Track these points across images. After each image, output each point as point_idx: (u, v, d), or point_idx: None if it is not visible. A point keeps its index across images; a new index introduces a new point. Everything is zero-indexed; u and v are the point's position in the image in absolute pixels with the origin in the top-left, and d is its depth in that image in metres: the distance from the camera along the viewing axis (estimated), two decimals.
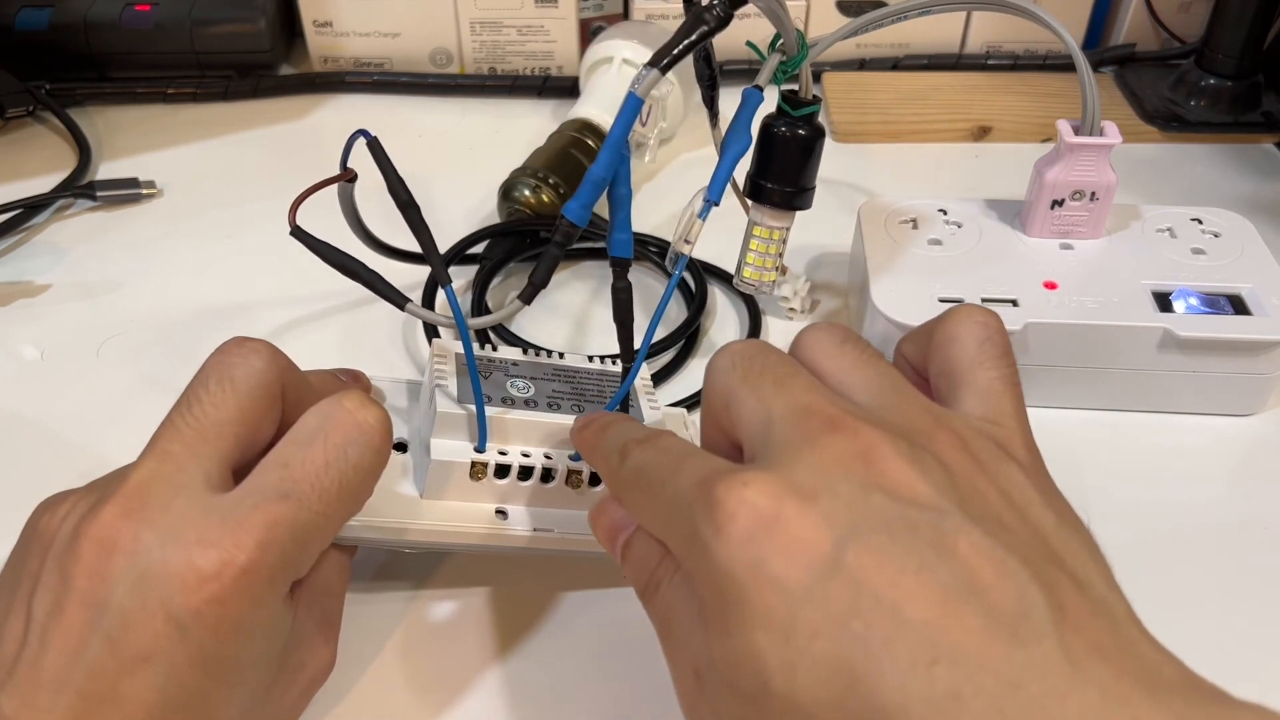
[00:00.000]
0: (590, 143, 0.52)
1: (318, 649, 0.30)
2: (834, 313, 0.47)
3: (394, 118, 0.63)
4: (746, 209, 0.41)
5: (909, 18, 0.41)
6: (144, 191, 0.55)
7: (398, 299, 0.32)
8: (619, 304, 0.33)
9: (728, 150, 0.32)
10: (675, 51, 0.30)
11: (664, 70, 0.30)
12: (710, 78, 0.39)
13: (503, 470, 0.33)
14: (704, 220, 0.32)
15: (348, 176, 0.33)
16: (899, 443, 0.23)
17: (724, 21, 0.32)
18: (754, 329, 0.46)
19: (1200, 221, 0.45)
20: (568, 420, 0.33)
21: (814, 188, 0.40)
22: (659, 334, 0.45)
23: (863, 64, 0.66)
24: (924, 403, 0.25)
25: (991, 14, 0.64)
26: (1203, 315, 0.40)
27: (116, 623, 0.24)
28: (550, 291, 0.48)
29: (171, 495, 0.26)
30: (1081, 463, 0.40)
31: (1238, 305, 0.41)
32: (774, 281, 0.41)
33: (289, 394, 0.29)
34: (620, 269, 0.32)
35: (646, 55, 0.52)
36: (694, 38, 0.31)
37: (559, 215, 0.30)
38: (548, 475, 0.33)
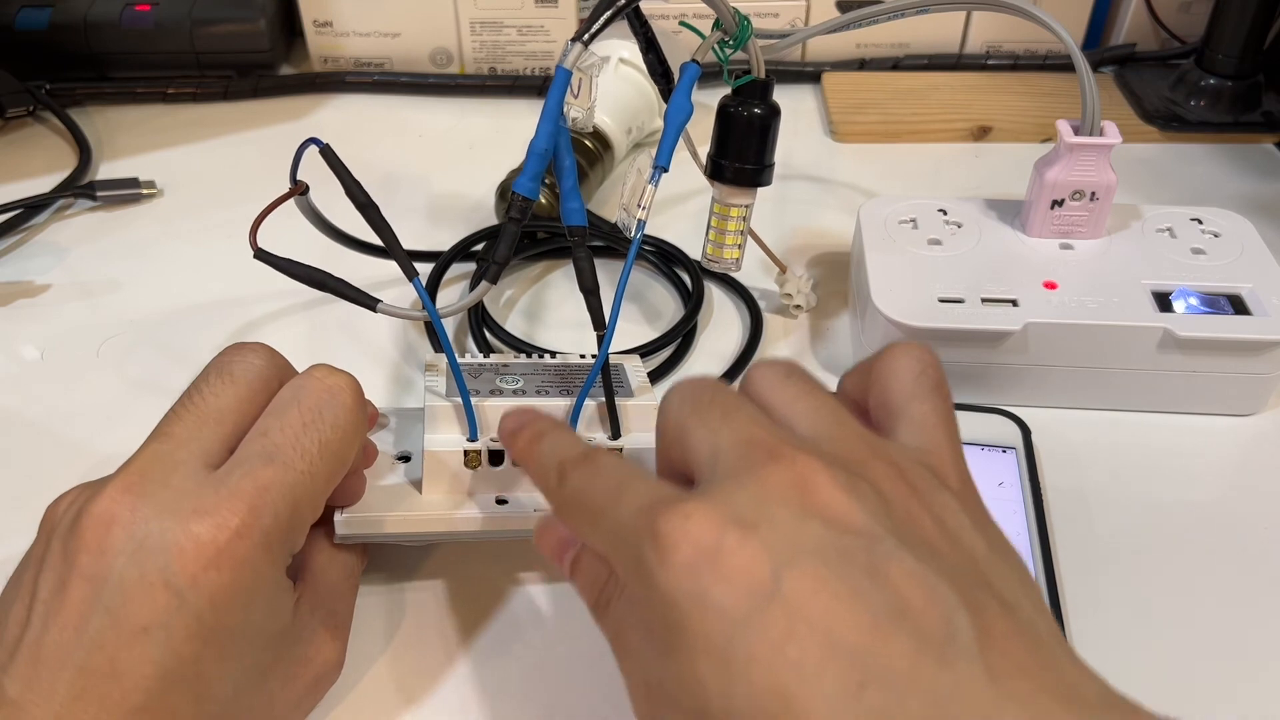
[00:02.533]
0: (588, 143, 0.52)
1: (323, 646, 0.30)
2: (836, 311, 0.47)
3: (394, 118, 0.63)
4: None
5: (904, 15, 0.42)
6: (144, 191, 0.55)
7: (368, 302, 0.32)
8: (581, 272, 0.33)
9: (670, 121, 0.34)
10: (595, 27, 0.33)
11: (586, 44, 0.32)
12: (662, 71, 0.41)
13: (497, 457, 0.34)
14: (655, 187, 0.33)
15: (299, 190, 0.35)
16: (836, 471, 0.23)
17: None
18: (755, 327, 0.46)
19: (1200, 221, 0.45)
20: (557, 403, 0.34)
21: (772, 165, 0.40)
22: (657, 332, 0.45)
23: (863, 64, 0.66)
24: (862, 433, 0.26)
25: (991, 14, 0.65)
26: (1203, 315, 0.40)
27: (116, 595, 0.25)
28: (544, 290, 0.49)
29: (169, 471, 0.27)
30: (1081, 463, 0.40)
31: (1238, 305, 0.41)
32: (737, 259, 0.42)
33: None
34: (578, 238, 0.33)
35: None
36: (611, 12, 0.34)
37: (512, 192, 0.32)
38: None
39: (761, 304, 0.47)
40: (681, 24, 0.41)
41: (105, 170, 0.58)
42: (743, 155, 0.40)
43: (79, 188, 0.55)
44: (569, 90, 0.33)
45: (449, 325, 0.46)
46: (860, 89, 0.64)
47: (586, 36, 0.32)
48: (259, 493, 0.26)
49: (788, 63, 0.66)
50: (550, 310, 0.48)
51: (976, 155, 0.59)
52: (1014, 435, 0.39)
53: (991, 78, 0.65)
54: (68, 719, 0.24)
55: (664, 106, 0.56)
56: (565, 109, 0.33)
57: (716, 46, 0.38)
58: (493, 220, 0.52)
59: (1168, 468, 0.40)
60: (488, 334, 0.45)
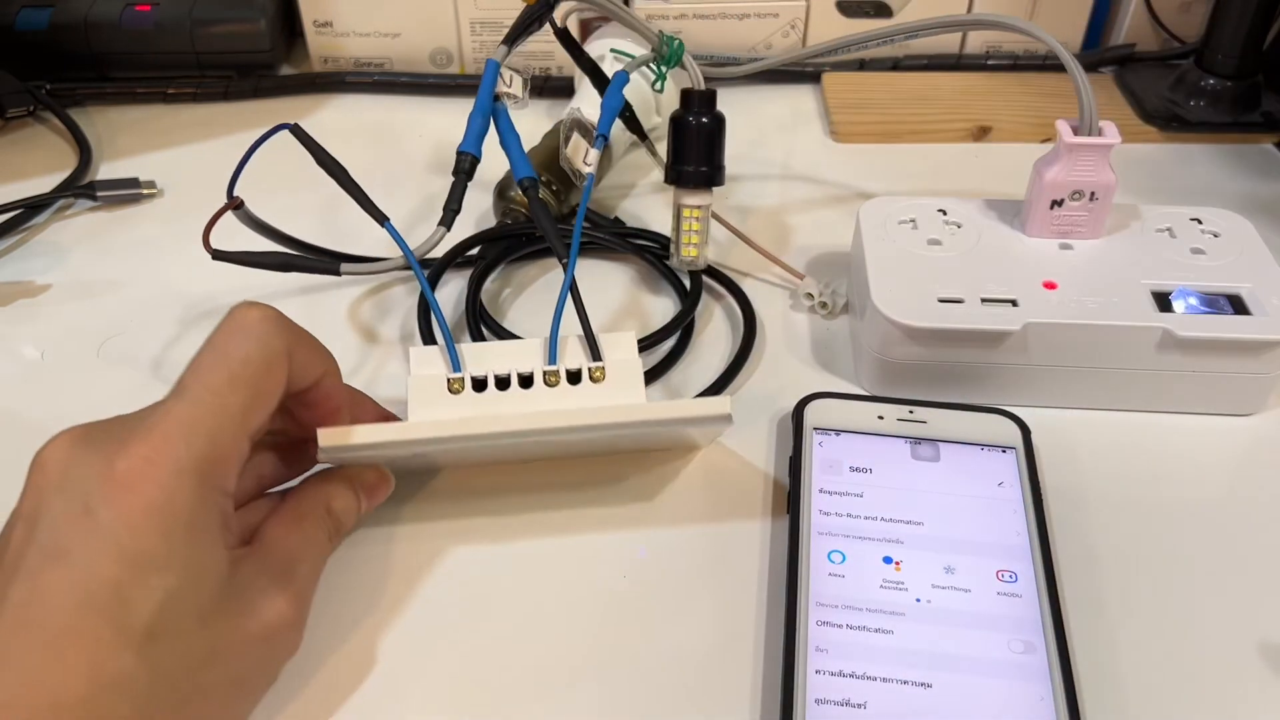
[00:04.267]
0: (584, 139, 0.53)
1: (274, 600, 0.30)
2: (840, 309, 0.47)
3: (394, 118, 0.63)
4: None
5: (899, 40, 0.46)
6: (144, 191, 0.55)
7: (331, 269, 0.36)
8: (535, 213, 0.40)
9: (605, 108, 0.43)
10: (518, 38, 0.43)
11: (511, 47, 0.42)
12: (639, 133, 0.49)
13: (479, 384, 0.35)
14: (599, 151, 0.42)
15: (234, 205, 0.40)
16: None
17: (550, 7, 0.44)
18: (749, 325, 0.46)
19: (1200, 221, 0.45)
20: (535, 341, 0.36)
21: (722, 167, 0.45)
22: (654, 326, 0.46)
23: (862, 64, 0.66)
24: None
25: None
26: (1202, 315, 0.40)
27: (46, 529, 0.27)
28: (539, 291, 0.49)
29: (112, 422, 0.29)
30: (1081, 463, 0.40)
31: (1237, 305, 0.41)
32: (694, 258, 0.46)
33: (297, 355, 0.32)
34: (530, 187, 0.39)
35: (635, 49, 0.54)
36: (531, 23, 0.44)
37: (459, 152, 0.39)
38: (526, 381, 0.35)
39: (768, 307, 0.47)
40: (612, 50, 0.48)
41: (105, 170, 0.58)
42: (694, 159, 0.44)
43: (79, 188, 0.55)
44: (501, 81, 0.41)
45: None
46: (860, 89, 0.64)
47: (513, 42, 0.42)
48: (171, 425, 0.28)
49: (788, 63, 0.66)
50: (547, 309, 0.48)
51: (976, 155, 0.59)
52: (1014, 435, 0.39)
53: (991, 78, 0.65)
54: None
55: (663, 107, 0.57)
56: (504, 97, 0.42)
57: (652, 65, 0.44)
58: (492, 220, 0.52)
59: (1167, 468, 0.40)
60: (484, 330, 0.45)
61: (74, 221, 0.54)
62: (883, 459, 0.38)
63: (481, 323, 0.46)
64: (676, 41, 0.44)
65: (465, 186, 0.39)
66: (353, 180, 0.38)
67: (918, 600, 0.33)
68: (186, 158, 0.59)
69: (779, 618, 0.33)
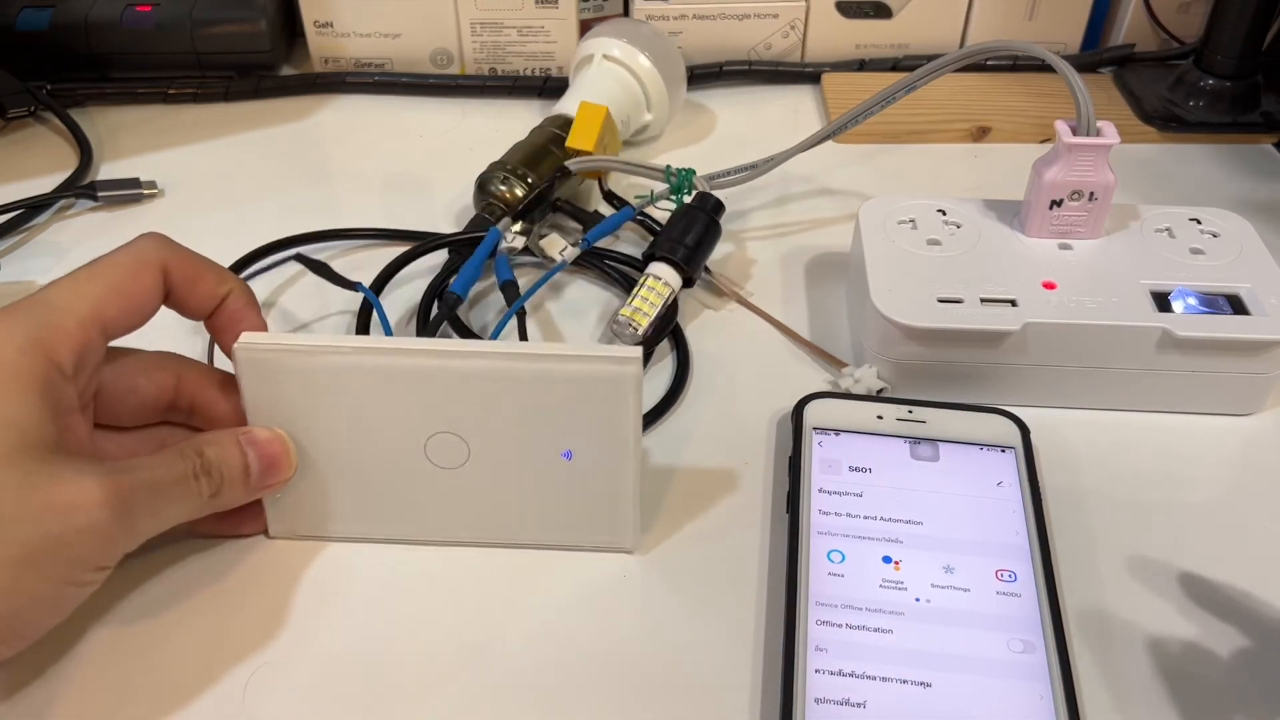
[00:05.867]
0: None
1: (86, 476, 0.29)
2: (836, 311, 0.47)
3: (394, 118, 0.63)
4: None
5: (919, 86, 0.49)
6: (145, 192, 0.55)
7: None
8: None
9: (600, 229, 0.47)
10: (526, 214, 0.49)
11: (515, 219, 0.49)
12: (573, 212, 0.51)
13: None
14: (579, 250, 0.46)
15: None
16: None
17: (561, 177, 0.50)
18: (682, 365, 0.46)
19: (1199, 221, 0.45)
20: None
21: (705, 262, 0.47)
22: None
23: (862, 64, 0.66)
24: None
25: (991, 14, 0.65)
26: (1201, 315, 0.40)
27: None
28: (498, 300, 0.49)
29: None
30: (1080, 462, 0.40)
31: (1236, 305, 0.41)
32: (635, 319, 0.44)
33: (181, 269, 0.34)
34: (510, 290, 0.44)
35: (630, 52, 0.56)
36: (539, 202, 0.50)
37: (449, 291, 0.44)
38: None
39: (767, 307, 0.47)
40: (637, 197, 0.50)
41: (106, 170, 0.58)
42: (684, 239, 0.46)
43: (80, 188, 0.55)
44: (504, 238, 0.47)
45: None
46: (860, 89, 0.64)
47: (518, 217, 0.49)
48: (24, 301, 0.31)
49: (787, 64, 0.66)
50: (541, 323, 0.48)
51: (976, 156, 0.59)
52: (1013, 435, 0.39)
53: (991, 78, 0.65)
54: None
55: (664, 109, 0.57)
56: (505, 250, 0.47)
57: (671, 197, 0.48)
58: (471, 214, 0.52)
59: (1166, 467, 0.40)
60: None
61: (75, 222, 0.54)
62: (882, 459, 0.38)
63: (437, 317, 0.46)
64: (684, 172, 0.48)
65: (444, 320, 0.44)
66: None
67: (917, 600, 0.33)
68: (187, 158, 0.59)
69: (779, 617, 0.33)
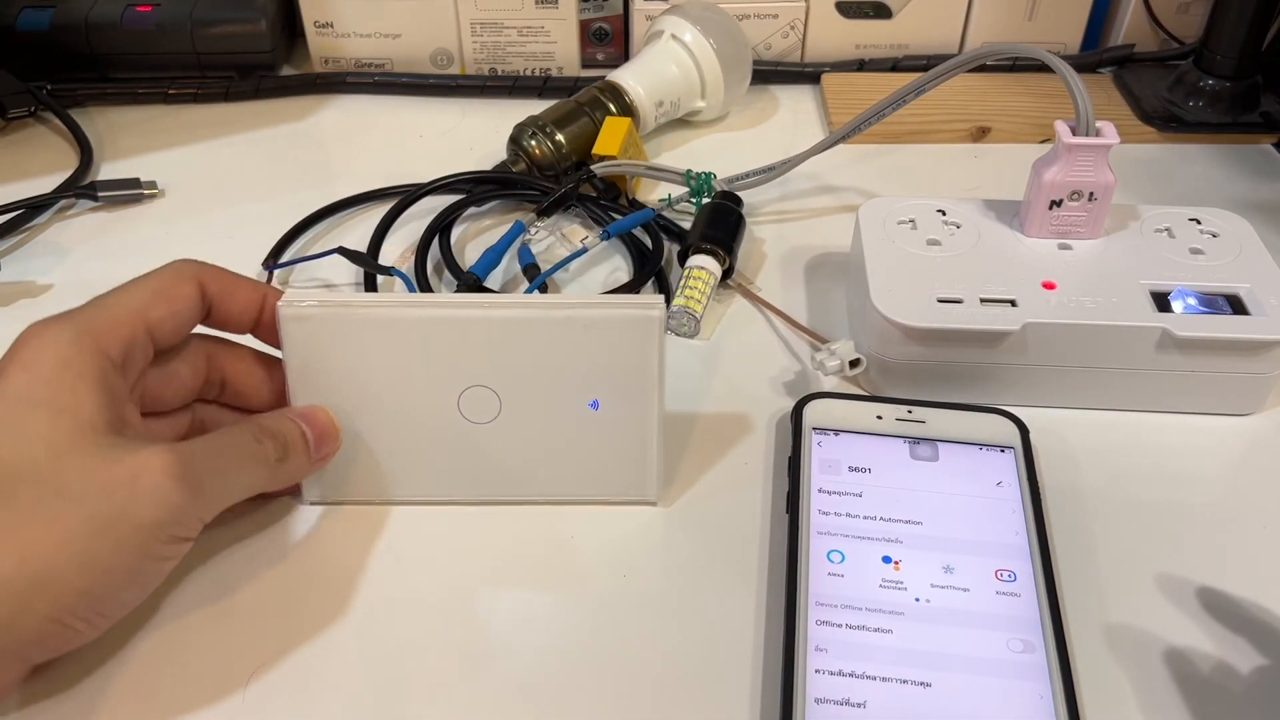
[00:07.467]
0: (611, 105, 0.57)
1: (154, 449, 0.30)
2: (836, 311, 0.47)
3: (394, 118, 0.63)
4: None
5: (929, 89, 0.49)
6: (145, 192, 0.55)
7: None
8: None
9: (622, 224, 0.49)
10: (551, 212, 0.51)
11: (539, 214, 0.51)
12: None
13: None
14: (601, 241, 0.49)
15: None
16: None
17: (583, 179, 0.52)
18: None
19: (1198, 221, 0.45)
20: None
21: (736, 251, 0.49)
22: None
23: (862, 65, 0.66)
24: None
25: (991, 14, 0.65)
26: (1201, 315, 0.40)
27: None
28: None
29: None
30: (1080, 462, 0.40)
31: (1236, 305, 0.41)
32: (690, 308, 0.45)
33: (217, 281, 0.35)
34: (532, 271, 0.47)
35: (699, 41, 0.58)
36: (564, 201, 0.52)
37: (469, 273, 0.46)
38: None
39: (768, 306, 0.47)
40: (660, 200, 0.53)
41: (106, 171, 0.58)
42: (717, 232, 0.48)
43: (80, 188, 0.55)
44: (527, 231, 0.50)
45: None
46: (859, 89, 0.64)
47: (543, 214, 0.51)
48: (75, 310, 0.32)
49: (787, 64, 0.66)
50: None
51: (975, 156, 0.59)
52: (1012, 435, 0.39)
53: (990, 79, 0.65)
54: None
55: (719, 92, 0.59)
56: (527, 240, 0.49)
57: (691, 200, 0.52)
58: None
59: (1166, 467, 0.40)
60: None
61: (75, 222, 0.54)
62: (882, 459, 0.38)
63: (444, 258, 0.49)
64: (704, 175, 0.51)
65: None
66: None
67: (917, 600, 0.33)
68: (187, 158, 0.59)
69: (779, 617, 0.33)
